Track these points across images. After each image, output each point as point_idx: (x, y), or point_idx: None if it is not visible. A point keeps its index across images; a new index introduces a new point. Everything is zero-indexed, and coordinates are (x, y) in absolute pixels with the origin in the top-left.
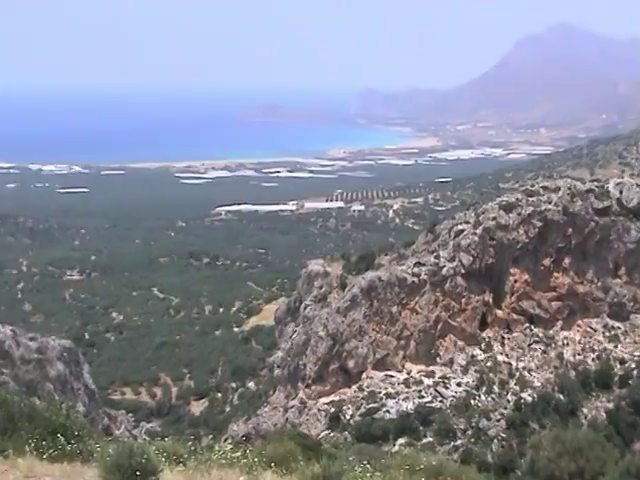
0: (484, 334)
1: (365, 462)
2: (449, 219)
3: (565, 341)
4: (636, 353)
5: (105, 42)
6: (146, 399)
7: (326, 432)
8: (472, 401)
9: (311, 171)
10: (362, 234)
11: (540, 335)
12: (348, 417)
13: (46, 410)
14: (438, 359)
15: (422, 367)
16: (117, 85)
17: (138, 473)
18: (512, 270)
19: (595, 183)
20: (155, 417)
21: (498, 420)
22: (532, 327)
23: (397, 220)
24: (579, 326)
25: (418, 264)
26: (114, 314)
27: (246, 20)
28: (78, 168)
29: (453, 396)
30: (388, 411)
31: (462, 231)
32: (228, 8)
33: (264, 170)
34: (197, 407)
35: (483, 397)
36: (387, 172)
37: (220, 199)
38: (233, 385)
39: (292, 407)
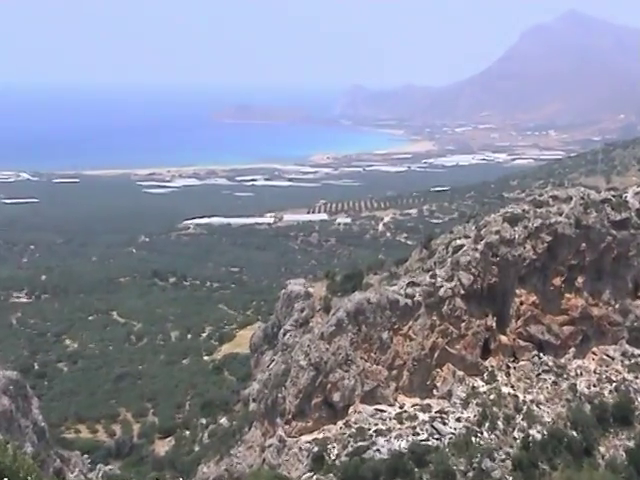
0: (487, 363)
1: None
2: (446, 233)
3: (579, 371)
4: None
5: (59, 38)
6: (104, 438)
7: (308, 474)
8: (473, 439)
9: (291, 179)
10: (348, 250)
11: (550, 364)
12: (333, 457)
13: None
14: (435, 391)
15: (417, 400)
16: (70, 81)
17: None
18: (518, 291)
19: (612, 192)
20: (114, 458)
21: (503, 460)
22: (541, 355)
23: (388, 234)
24: (594, 354)
25: (412, 284)
26: (67, 341)
27: (213, 8)
28: (26, 175)
29: (452, 433)
30: (379, 450)
31: (461, 247)
32: None
33: (238, 178)
34: (162, 446)
35: (486, 434)
36: (376, 180)
37: (188, 211)
38: (203, 421)
39: (270, 446)
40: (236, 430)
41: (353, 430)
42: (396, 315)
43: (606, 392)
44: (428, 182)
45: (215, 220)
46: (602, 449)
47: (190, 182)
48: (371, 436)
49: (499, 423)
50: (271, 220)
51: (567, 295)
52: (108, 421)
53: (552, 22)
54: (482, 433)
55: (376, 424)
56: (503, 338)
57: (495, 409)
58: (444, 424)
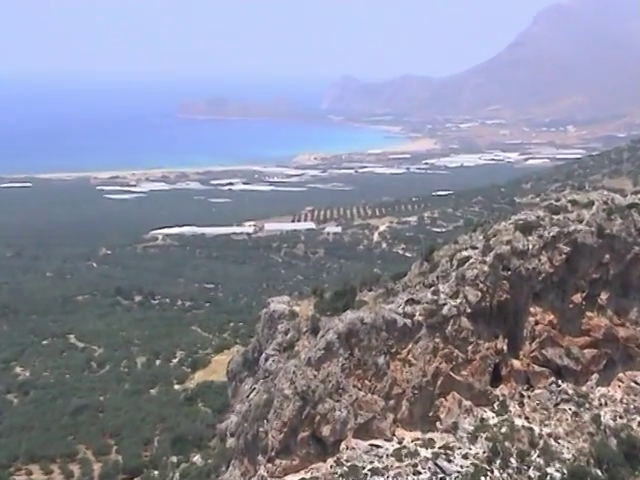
0: (497, 391)
1: None
2: (450, 243)
3: (603, 400)
4: None
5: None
6: (60, 479)
7: None
8: (483, 478)
9: (273, 183)
10: (339, 263)
11: (570, 392)
12: None
13: None
14: (438, 424)
15: (418, 434)
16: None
17: None
18: (532, 309)
19: (639, 196)
20: None
21: None
22: (559, 382)
23: (384, 245)
24: (620, 380)
25: (411, 302)
26: (18, 369)
27: None
28: None
29: (458, 472)
30: None
31: (467, 259)
32: None
33: (212, 182)
34: None
35: (497, 473)
36: (370, 184)
37: (156, 219)
38: (174, 459)
39: None
40: (212, 469)
41: (345, 469)
42: (394, 337)
43: (634, 424)
44: (429, 185)
45: (187, 230)
46: None
47: (158, 186)
48: (366, 475)
49: (512, 460)
50: (251, 230)
51: (589, 314)
52: (65, 460)
53: (570, 1)
54: (492, 472)
55: (371, 462)
56: (516, 363)
57: (507, 444)
58: (449, 461)
